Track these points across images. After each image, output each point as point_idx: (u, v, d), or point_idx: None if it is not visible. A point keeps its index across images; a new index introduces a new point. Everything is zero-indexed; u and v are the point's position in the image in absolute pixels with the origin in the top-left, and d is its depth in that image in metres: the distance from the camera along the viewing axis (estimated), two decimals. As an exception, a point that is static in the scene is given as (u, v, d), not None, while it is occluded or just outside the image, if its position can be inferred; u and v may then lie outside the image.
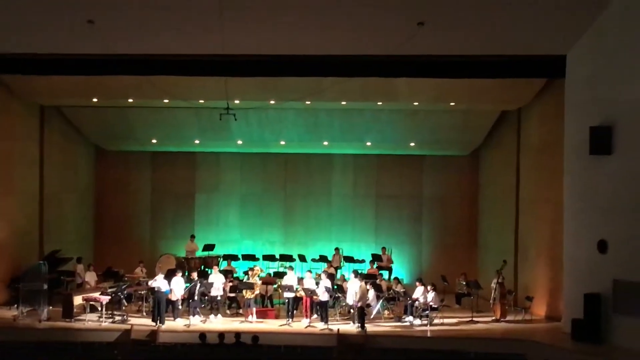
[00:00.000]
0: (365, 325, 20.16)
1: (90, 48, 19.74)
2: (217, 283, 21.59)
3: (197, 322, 20.66)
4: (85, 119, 27.40)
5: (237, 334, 17.68)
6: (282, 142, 28.02)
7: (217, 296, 21.58)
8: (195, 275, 21.81)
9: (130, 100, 24.75)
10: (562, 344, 18.89)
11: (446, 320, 21.39)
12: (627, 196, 18.08)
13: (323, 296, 20.72)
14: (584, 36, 19.12)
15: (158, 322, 20.19)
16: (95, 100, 24.66)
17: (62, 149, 27.02)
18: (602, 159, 18.68)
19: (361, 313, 20.26)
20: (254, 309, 21.32)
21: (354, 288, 20.74)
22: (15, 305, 21.52)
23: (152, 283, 20.94)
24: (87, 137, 28.67)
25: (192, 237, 27.53)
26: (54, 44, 19.75)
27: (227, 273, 23.45)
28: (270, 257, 26.80)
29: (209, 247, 27.17)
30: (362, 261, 26.41)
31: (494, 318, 21.84)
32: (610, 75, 18.57)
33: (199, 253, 27.07)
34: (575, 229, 19.79)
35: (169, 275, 21.29)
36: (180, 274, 21.57)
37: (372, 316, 21.32)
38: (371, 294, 21.41)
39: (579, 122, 19.37)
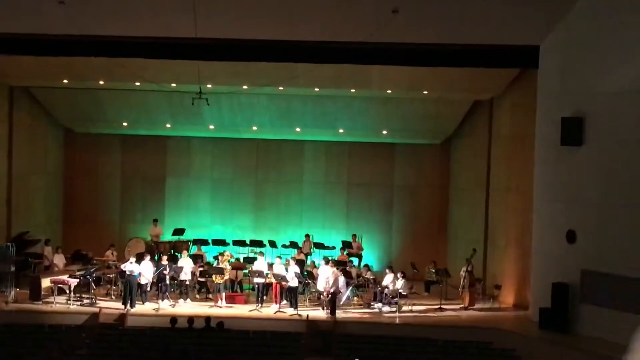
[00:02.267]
0: (336, 311, 20.20)
1: (61, 28, 19.51)
2: (187, 267, 21.54)
3: (166, 307, 20.59)
4: (55, 101, 27.08)
5: (207, 319, 17.66)
6: (254, 128, 27.89)
7: (186, 280, 21.52)
8: (165, 259, 21.71)
9: (101, 82, 24.50)
10: (529, 333, 19.12)
11: (415, 308, 21.49)
12: (596, 187, 18.27)
13: (292, 282, 20.73)
14: (558, 27, 19.23)
15: (128, 305, 20.09)
16: (65, 81, 24.37)
17: (31, 131, 26.68)
18: (573, 150, 18.85)
19: (332, 299, 20.29)
20: (224, 294, 21.29)
21: (324, 274, 20.77)
22: (-18, 287, 21.35)
23: (126, 266, 20.77)
24: (56, 118, 28.33)
25: (155, 221, 27.28)
26: (24, 24, 19.50)
27: (196, 258, 23.38)
28: (240, 243, 26.69)
29: (178, 231, 27.02)
30: (333, 248, 26.40)
31: (462, 306, 21.99)
32: (583, 66, 18.72)
33: (169, 237, 26.92)
34: (544, 218, 19.96)
35: (138, 259, 21.17)
36: (149, 257, 21.45)
37: (341, 302, 21.36)
38: (341, 280, 21.44)
39: (551, 113, 19.51)
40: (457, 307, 21.99)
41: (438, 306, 21.75)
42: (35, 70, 23.38)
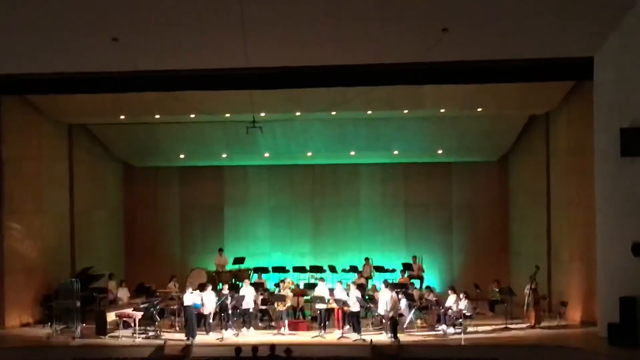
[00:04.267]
0: (398, 335, 20.02)
1: (116, 66, 19.84)
2: (249, 296, 21.58)
3: (229, 336, 20.64)
4: (113, 136, 27.57)
5: (272, 347, 17.61)
6: (309, 154, 27.97)
7: (248, 309, 21.56)
8: (226, 288, 21.80)
9: (157, 116, 24.85)
10: (598, 349, 18.69)
11: (480, 328, 21.22)
12: (660, 197, 17.87)
13: (354, 307, 20.63)
14: (611, 37, 18.92)
15: (190, 337, 20.20)
16: (122, 117, 24.78)
17: (91, 167, 27.18)
18: (634, 160, 18.47)
19: (393, 323, 20.13)
20: (286, 321, 21.27)
21: (384, 298, 20.63)
22: (49, 324, 21.68)
23: (186, 297, 20.89)
24: (115, 154, 28.82)
25: (220, 250, 27.52)
26: (80, 63, 19.84)
27: (257, 286, 23.43)
28: (300, 269, 26.73)
29: (239, 260, 27.15)
30: (393, 270, 26.25)
31: (528, 324, 21.61)
32: (639, 75, 18.36)
33: (229, 266, 27.06)
34: (608, 232, 19.56)
35: (200, 289, 21.28)
36: (210, 287, 21.56)
37: (404, 326, 21.18)
38: (403, 303, 21.30)
39: (609, 124, 19.16)
40: (523, 326, 21.62)
41: (504, 326, 21.43)
42: (92, 107, 23.81)
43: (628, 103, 18.68)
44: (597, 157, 19.92)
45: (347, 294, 20.99)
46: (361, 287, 22.55)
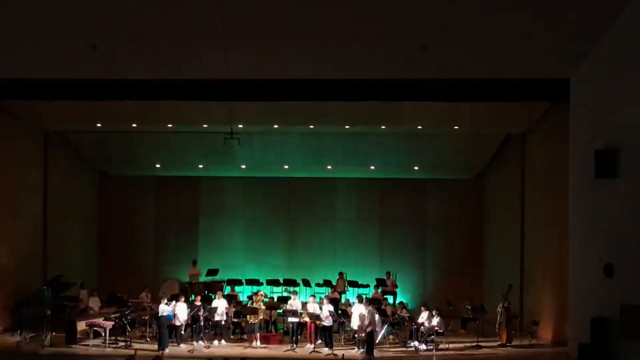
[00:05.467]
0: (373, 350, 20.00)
1: (94, 73, 19.75)
2: (221, 308, 21.48)
3: (200, 348, 20.53)
4: (89, 144, 27.44)
5: (242, 360, 17.58)
6: (286, 167, 28.00)
7: (221, 321, 21.47)
8: (199, 300, 21.70)
9: (134, 125, 24.77)
10: (569, 369, 18.77)
11: (452, 345, 21.25)
12: (633, 219, 17.94)
13: (327, 321, 20.60)
14: (588, 59, 19.08)
15: (162, 347, 20.08)
16: (98, 125, 24.68)
17: (66, 174, 27.02)
18: (608, 182, 18.57)
19: (370, 338, 20.06)
20: (258, 334, 21.20)
21: (358, 313, 20.61)
22: (19, 331, 21.42)
23: (160, 308, 20.77)
24: (91, 162, 28.70)
25: (194, 262, 27.42)
26: (57, 69, 19.70)
27: (230, 298, 23.35)
28: (274, 282, 26.67)
29: (212, 271, 27.05)
30: (367, 286, 26.27)
31: (500, 343, 21.65)
32: (615, 98, 18.49)
33: (203, 278, 26.95)
34: (581, 252, 19.66)
35: (172, 300, 21.17)
36: (183, 299, 21.46)
37: (377, 341, 21.15)
38: (376, 318, 21.28)
39: (584, 145, 19.30)
40: (495, 344, 21.65)
41: (475, 343, 21.45)
42: (69, 114, 23.69)
43: (603, 125, 18.81)
44: (571, 178, 20.05)
45: (320, 308, 20.95)
46: (334, 302, 22.53)
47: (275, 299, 23.79)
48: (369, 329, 20.13)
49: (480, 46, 18.62)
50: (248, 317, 21.44)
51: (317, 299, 21.97)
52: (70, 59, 19.24)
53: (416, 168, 27.74)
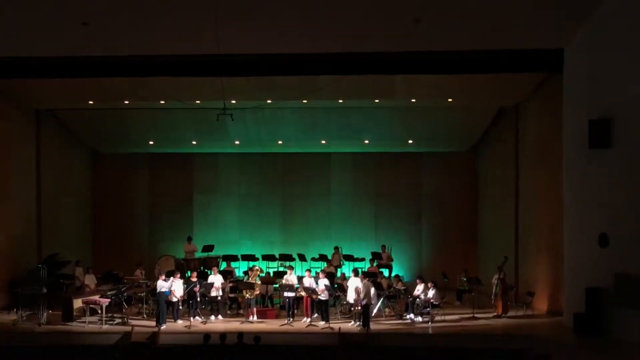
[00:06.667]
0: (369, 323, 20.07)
1: (85, 50, 19.68)
2: (217, 284, 21.51)
3: (197, 324, 20.58)
4: (81, 122, 27.31)
5: (240, 334, 17.59)
6: (280, 142, 27.94)
7: (217, 297, 21.50)
8: (195, 276, 21.72)
9: (126, 102, 24.67)
10: (564, 338, 18.84)
11: (447, 317, 21.32)
12: (627, 189, 17.98)
13: (323, 295, 20.65)
14: (582, 29, 19.02)
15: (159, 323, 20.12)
16: (90, 102, 24.57)
17: (59, 153, 26.92)
18: (602, 152, 18.57)
19: (365, 311, 20.13)
20: (255, 309, 21.25)
21: (354, 286, 20.66)
22: (15, 310, 21.43)
23: (158, 284, 20.79)
24: (83, 140, 28.59)
25: (189, 238, 27.36)
26: (48, 47, 19.60)
27: (226, 274, 23.37)
28: (269, 257, 26.70)
29: (208, 248, 27.06)
30: (362, 259, 26.31)
31: (495, 314, 21.76)
32: (609, 68, 18.46)
33: (198, 254, 26.96)
34: (575, 223, 19.73)
35: (168, 277, 21.19)
36: (179, 275, 21.48)
37: (372, 314, 21.21)
38: (372, 291, 21.33)
39: (578, 116, 19.29)
40: (490, 315, 21.75)
41: (471, 315, 21.54)
42: (60, 92, 23.58)
43: (597, 95, 18.79)
44: (565, 149, 20.06)
45: (316, 283, 20.99)
46: (330, 276, 22.57)
47: (271, 274, 23.82)
48: (364, 302, 20.19)
49: (473, 18, 18.54)
50: (244, 292, 21.47)
51: (313, 273, 22.02)
52: (61, 36, 19.12)
53: (410, 142, 27.71)
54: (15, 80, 22.34)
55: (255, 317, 21.10)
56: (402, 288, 22.65)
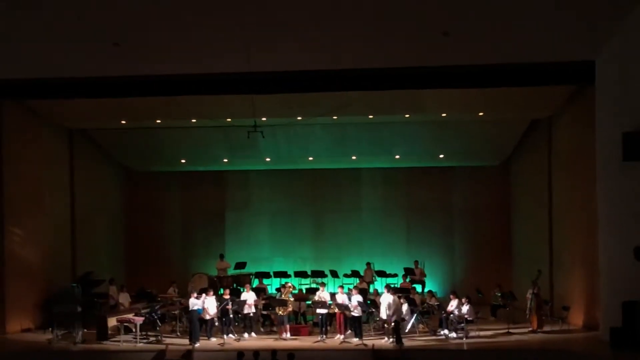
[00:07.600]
0: (402, 339, 19.95)
1: (117, 70, 19.89)
2: (250, 301, 21.52)
3: (231, 341, 20.59)
4: (114, 141, 27.58)
5: (273, 352, 17.56)
6: (310, 158, 27.97)
7: (249, 314, 21.51)
8: (227, 293, 21.75)
9: (158, 120, 24.84)
10: (601, 353, 18.61)
11: (482, 333, 21.14)
12: (662, 201, 17.80)
13: (356, 311, 20.58)
14: (612, 40, 18.87)
15: (193, 341, 20.16)
16: (123, 122, 24.77)
17: (92, 172, 27.19)
18: (636, 164, 18.40)
19: (396, 327, 20.06)
20: (288, 326, 21.22)
21: (386, 302, 20.58)
22: (50, 329, 21.58)
23: (190, 302, 20.85)
24: (115, 158, 28.86)
25: (222, 255, 27.43)
26: (80, 67, 19.84)
27: (259, 291, 23.38)
28: (302, 274, 26.69)
29: (240, 265, 27.13)
30: (395, 275, 26.22)
31: (530, 329, 21.52)
32: (641, 79, 18.32)
33: (231, 271, 27.02)
34: (610, 236, 19.50)
35: (200, 294, 21.24)
36: (212, 292, 21.52)
37: (406, 330, 21.12)
38: (405, 307, 21.23)
39: (611, 128, 19.10)
40: (526, 330, 21.52)
41: (506, 330, 21.34)
42: (93, 112, 23.81)
43: (630, 107, 18.62)
44: (599, 161, 19.86)
45: (349, 299, 20.93)
46: (363, 292, 22.49)
47: (304, 291, 23.80)
48: (393, 318, 20.09)
49: (503, 31, 18.46)
50: (277, 309, 21.46)
51: (346, 290, 21.96)
52: (92, 56, 19.32)
53: (441, 156, 27.61)
54: (48, 101, 22.72)
55: (288, 334, 21.07)
56: (436, 304, 22.51)
